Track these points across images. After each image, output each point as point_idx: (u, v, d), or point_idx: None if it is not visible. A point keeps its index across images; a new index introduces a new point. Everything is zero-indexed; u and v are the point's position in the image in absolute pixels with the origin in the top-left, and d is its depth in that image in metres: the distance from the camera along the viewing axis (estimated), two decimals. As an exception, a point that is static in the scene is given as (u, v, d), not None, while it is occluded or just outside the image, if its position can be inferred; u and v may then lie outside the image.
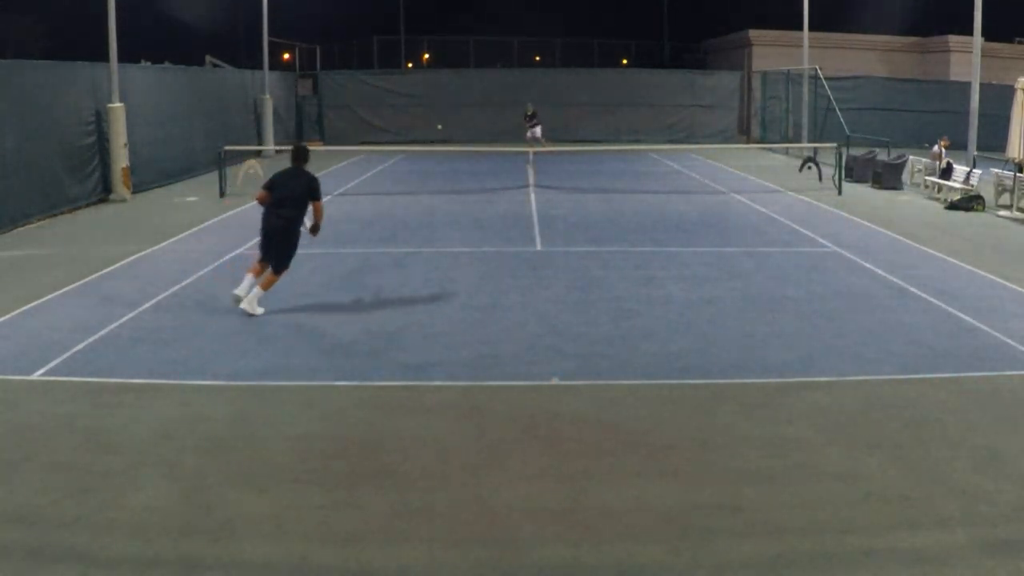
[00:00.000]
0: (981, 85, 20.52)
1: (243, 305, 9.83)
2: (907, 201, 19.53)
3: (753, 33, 40.71)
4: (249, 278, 10.03)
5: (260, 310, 9.93)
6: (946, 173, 19.76)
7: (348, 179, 23.43)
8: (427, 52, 46.86)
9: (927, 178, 20.71)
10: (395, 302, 10.42)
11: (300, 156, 10.14)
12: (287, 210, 9.89)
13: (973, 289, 11.07)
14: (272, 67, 31.75)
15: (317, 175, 10.25)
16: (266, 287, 10.01)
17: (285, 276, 10.05)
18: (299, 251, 13.51)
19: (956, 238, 14.66)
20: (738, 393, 7.46)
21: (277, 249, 9.99)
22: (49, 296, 10.60)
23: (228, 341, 8.89)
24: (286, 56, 40.08)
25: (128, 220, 16.68)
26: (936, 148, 21.55)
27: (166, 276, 11.68)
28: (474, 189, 21.08)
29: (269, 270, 10.03)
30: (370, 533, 5.17)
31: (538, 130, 28.90)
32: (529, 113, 29.58)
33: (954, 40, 38.70)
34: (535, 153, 24.35)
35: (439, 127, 29.33)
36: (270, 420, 6.87)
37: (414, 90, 37.08)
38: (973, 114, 20.07)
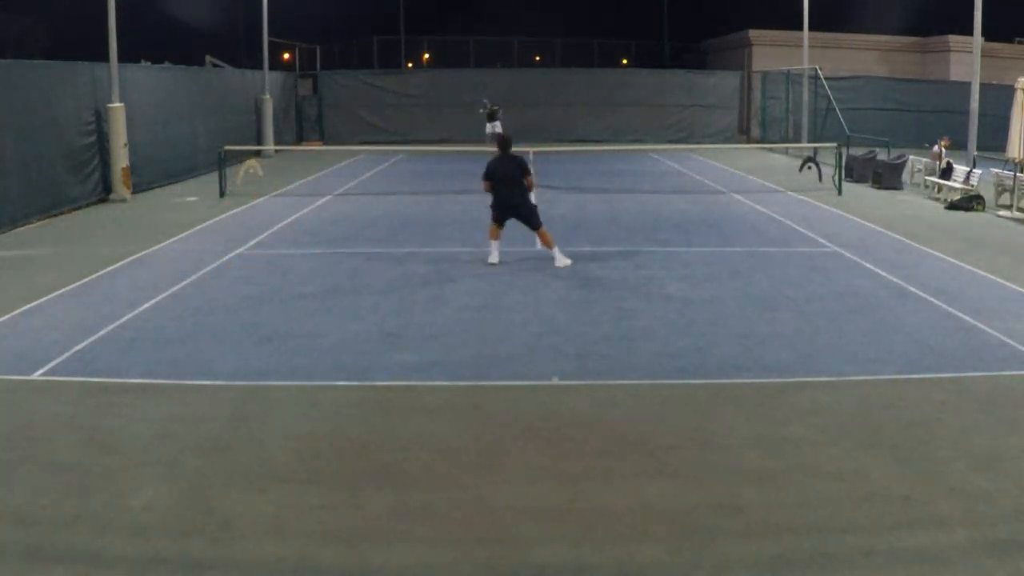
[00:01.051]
0: (981, 85, 20.53)
1: (557, 264, 12.16)
2: (907, 201, 19.52)
3: (753, 33, 40.70)
4: (494, 244, 12.52)
5: (568, 261, 12.20)
6: (946, 173, 19.76)
7: (348, 179, 23.43)
8: (427, 52, 46.86)
9: (927, 178, 20.71)
10: (395, 302, 10.42)
11: (506, 145, 12.40)
12: (509, 188, 12.14)
13: (973, 289, 11.07)
14: (272, 67, 31.74)
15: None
16: (550, 245, 12.32)
17: (290, 276, 10.04)
18: (299, 251, 13.64)
19: (956, 238, 14.66)
20: (738, 393, 7.46)
21: (522, 218, 12.34)
22: (49, 296, 10.60)
23: (228, 341, 8.89)
24: (286, 56, 40.08)
25: (128, 220, 16.69)
26: (936, 148, 21.56)
27: (166, 276, 11.68)
28: (474, 189, 21.05)
29: (538, 235, 12.45)
30: (370, 533, 5.17)
31: (498, 125, 28.88)
32: (490, 110, 29.43)
33: (954, 40, 38.70)
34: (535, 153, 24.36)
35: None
36: (270, 420, 6.87)
37: (414, 90, 37.08)
38: (973, 114, 20.08)
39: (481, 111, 29.56)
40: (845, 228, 15.63)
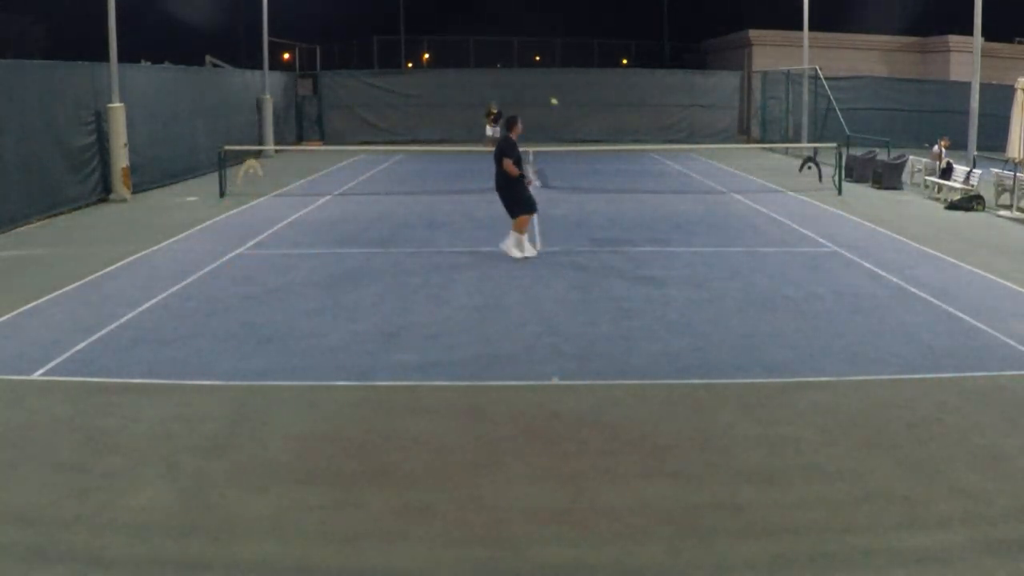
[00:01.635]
0: (981, 85, 20.53)
1: (513, 251, 12.37)
2: (907, 201, 19.52)
3: (753, 33, 40.72)
4: (522, 237, 12.62)
5: (526, 254, 12.39)
6: (946, 173, 19.76)
7: (348, 179, 23.43)
8: (427, 52, 46.88)
9: (927, 178, 20.71)
10: (395, 302, 10.42)
11: (503, 126, 12.56)
12: (496, 171, 12.40)
13: (973, 289, 11.07)
14: (272, 67, 31.74)
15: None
16: (521, 232, 12.45)
17: (290, 276, 10.06)
18: (299, 251, 13.61)
19: (956, 238, 14.66)
20: (738, 393, 7.46)
21: (506, 203, 12.50)
22: (49, 296, 10.60)
23: (228, 341, 8.89)
24: (286, 56, 40.10)
25: (128, 220, 16.68)
26: (936, 148, 21.55)
27: (166, 276, 11.68)
28: (474, 189, 21.09)
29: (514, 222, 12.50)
30: (370, 533, 5.17)
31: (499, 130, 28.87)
32: (495, 112, 29.47)
33: (954, 40, 38.72)
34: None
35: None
36: (270, 420, 6.86)
37: (414, 90, 37.08)
38: (973, 114, 20.07)
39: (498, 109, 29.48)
40: (845, 228, 15.63)
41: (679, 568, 4.81)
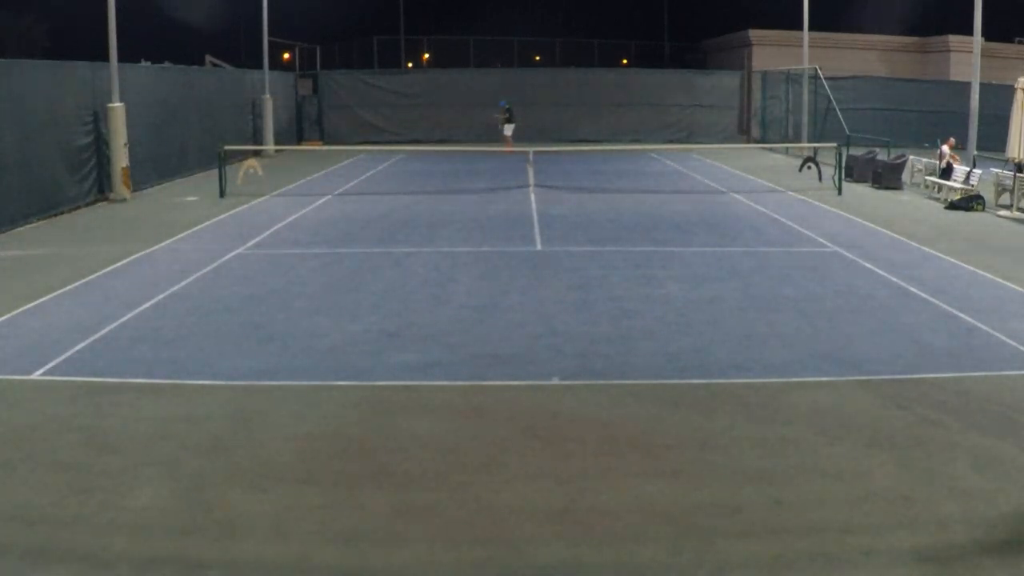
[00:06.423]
0: (981, 85, 20.51)
1: None
2: (907, 201, 19.52)
3: (753, 33, 40.68)
4: None
5: None
6: (946, 173, 19.76)
7: (348, 179, 23.42)
8: (427, 52, 46.88)
9: (927, 178, 20.71)
10: (395, 302, 10.42)
11: None
12: None
13: (973, 289, 11.07)
14: (272, 67, 31.73)
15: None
16: None
17: (290, 275, 10.04)
18: (299, 251, 13.59)
19: (956, 238, 14.66)
20: (738, 393, 7.46)
21: None
22: (49, 296, 10.60)
23: (228, 341, 8.89)
24: (286, 56, 40.12)
25: (128, 220, 16.68)
26: (944, 148, 21.38)
27: (166, 276, 11.68)
28: (474, 189, 21.07)
29: None
30: (370, 533, 5.18)
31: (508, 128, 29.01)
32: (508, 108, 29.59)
33: (954, 40, 38.69)
34: (534, 153, 24.38)
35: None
36: (270, 420, 6.87)
37: (414, 90, 37.07)
38: (973, 114, 20.06)
39: (498, 115, 29.74)
40: (845, 228, 15.63)
41: (679, 568, 4.81)
